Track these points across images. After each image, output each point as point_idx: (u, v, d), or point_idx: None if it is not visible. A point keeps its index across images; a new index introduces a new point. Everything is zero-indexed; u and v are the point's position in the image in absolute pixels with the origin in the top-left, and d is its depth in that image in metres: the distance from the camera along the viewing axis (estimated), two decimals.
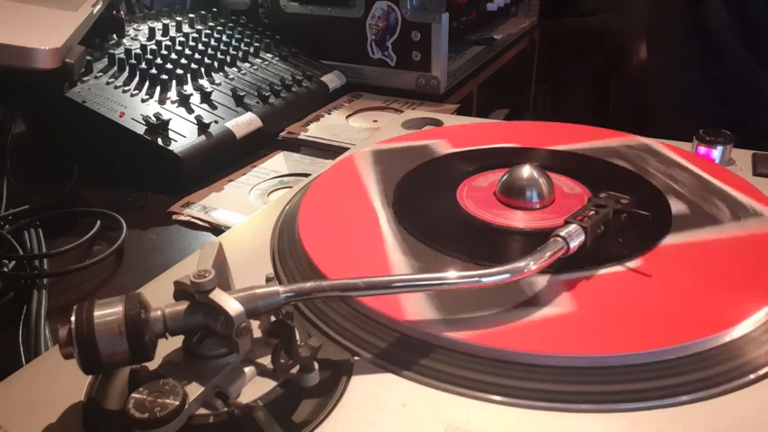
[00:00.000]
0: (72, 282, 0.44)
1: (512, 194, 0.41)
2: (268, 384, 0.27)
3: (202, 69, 0.71)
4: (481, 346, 0.28)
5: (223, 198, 0.56)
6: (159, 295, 0.28)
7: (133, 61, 0.66)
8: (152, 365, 0.27)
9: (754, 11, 0.79)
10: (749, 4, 0.79)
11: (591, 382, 0.27)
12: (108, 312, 0.25)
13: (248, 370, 0.27)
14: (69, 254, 0.46)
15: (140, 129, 0.57)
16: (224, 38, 0.80)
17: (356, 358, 0.29)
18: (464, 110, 0.79)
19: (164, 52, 0.71)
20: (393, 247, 0.37)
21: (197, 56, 0.72)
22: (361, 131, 0.71)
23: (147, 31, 0.75)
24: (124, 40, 0.72)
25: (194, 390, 0.25)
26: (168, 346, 0.27)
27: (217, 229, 0.51)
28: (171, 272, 0.38)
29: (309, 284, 0.28)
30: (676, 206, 0.40)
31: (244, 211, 0.53)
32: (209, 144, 0.60)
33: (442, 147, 0.51)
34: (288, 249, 0.38)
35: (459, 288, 0.30)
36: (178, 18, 0.81)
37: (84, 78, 0.61)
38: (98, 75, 0.63)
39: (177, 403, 0.23)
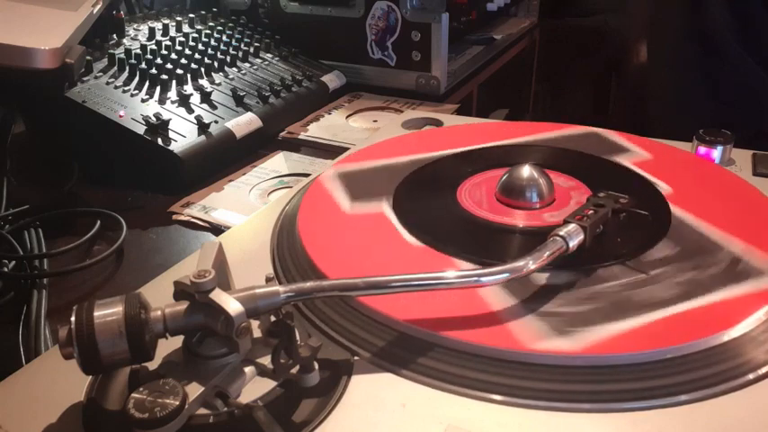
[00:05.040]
0: (72, 282, 0.44)
1: (511, 194, 0.41)
2: (268, 384, 0.27)
3: (202, 69, 0.71)
4: (481, 345, 0.28)
5: (223, 198, 0.56)
6: (159, 295, 0.28)
7: (133, 61, 0.66)
8: (152, 365, 0.27)
9: (754, 11, 0.79)
10: (750, 3, 0.79)
11: (591, 382, 0.27)
12: (108, 312, 0.25)
13: (248, 370, 0.27)
14: (69, 254, 0.46)
15: (140, 129, 0.57)
16: (224, 38, 0.80)
17: (356, 358, 0.29)
18: (464, 110, 0.79)
19: (164, 52, 0.71)
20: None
21: (197, 56, 0.72)
22: (361, 131, 0.71)
23: (147, 31, 0.75)
24: (124, 40, 0.72)
25: (194, 390, 0.25)
26: (168, 346, 0.27)
27: (217, 229, 0.51)
28: (171, 272, 0.38)
29: (309, 284, 0.28)
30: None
31: (244, 211, 0.53)
32: (209, 144, 0.60)
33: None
34: (288, 249, 0.38)
35: (458, 288, 0.30)
36: (178, 18, 0.81)
37: (84, 78, 0.61)
38: (98, 75, 0.63)
39: (177, 403, 0.23)
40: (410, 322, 0.30)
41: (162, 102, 0.63)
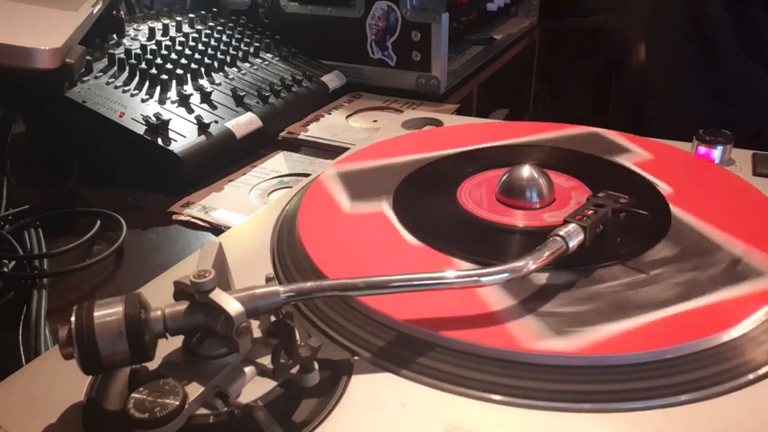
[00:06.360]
0: (72, 282, 0.44)
1: (511, 194, 0.41)
2: (268, 384, 0.27)
3: (202, 69, 0.71)
4: (481, 345, 0.28)
5: (223, 198, 0.56)
6: (159, 295, 0.28)
7: (133, 61, 0.66)
8: (152, 365, 0.27)
9: (753, 11, 0.79)
10: (749, 4, 0.79)
11: (591, 382, 0.27)
12: (108, 312, 0.25)
13: (248, 370, 0.27)
14: (69, 254, 0.46)
15: (140, 129, 0.57)
16: (224, 38, 0.80)
17: (356, 358, 0.29)
18: (464, 110, 0.79)
19: (164, 52, 0.71)
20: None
21: (197, 56, 0.72)
22: (361, 131, 0.71)
23: (147, 31, 0.75)
24: (124, 40, 0.72)
25: (194, 390, 0.25)
26: (168, 346, 0.27)
27: (217, 229, 0.51)
28: (171, 272, 0.38)
29: (309, 284, 0.28)
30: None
31: (244, 211, 0.53)
32: (209, 144, 0.60)
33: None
34: (288, 249, 0.38)
35: (458, 288, 0.30)
36: (178, 18, 0.81)
37: (84, 78, 0.61)
38: (98, 75, 0.63)
39: (177, 403, 0.23)
40: (410, 322, 0.30)
41: (162, 102, 0.63)
